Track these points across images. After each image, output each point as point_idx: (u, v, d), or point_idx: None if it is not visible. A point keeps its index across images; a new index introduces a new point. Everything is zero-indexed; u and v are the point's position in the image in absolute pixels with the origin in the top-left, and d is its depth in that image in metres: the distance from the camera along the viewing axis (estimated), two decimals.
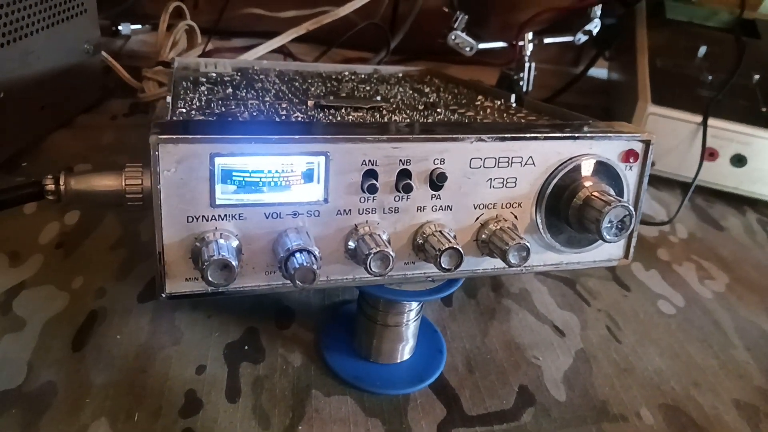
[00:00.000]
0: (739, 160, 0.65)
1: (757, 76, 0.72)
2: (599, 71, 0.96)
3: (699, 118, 0.65)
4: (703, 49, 0.76)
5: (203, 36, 0.80)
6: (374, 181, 0.30)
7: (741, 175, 0.65)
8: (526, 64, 0.69)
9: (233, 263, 0.27)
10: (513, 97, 0.47)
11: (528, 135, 0.32)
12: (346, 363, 0.38)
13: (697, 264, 0.54)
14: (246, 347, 0.39)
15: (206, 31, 0.82)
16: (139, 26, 0.88)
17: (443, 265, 0.30)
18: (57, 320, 0.39)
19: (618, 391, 0.39)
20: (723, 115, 0.65)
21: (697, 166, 0.63)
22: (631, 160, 0.34)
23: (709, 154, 0.65)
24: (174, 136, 0.27)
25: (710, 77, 0.71)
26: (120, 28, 0.86)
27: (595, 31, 0.71)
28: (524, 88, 0.70)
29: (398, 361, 0.39)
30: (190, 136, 0.27)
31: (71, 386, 0.35)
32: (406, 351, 0.39)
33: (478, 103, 0.47)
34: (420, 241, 0.32)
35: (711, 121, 0.64)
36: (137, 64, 0.76)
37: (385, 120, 0.38)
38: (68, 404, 0.34)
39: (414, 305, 0.37)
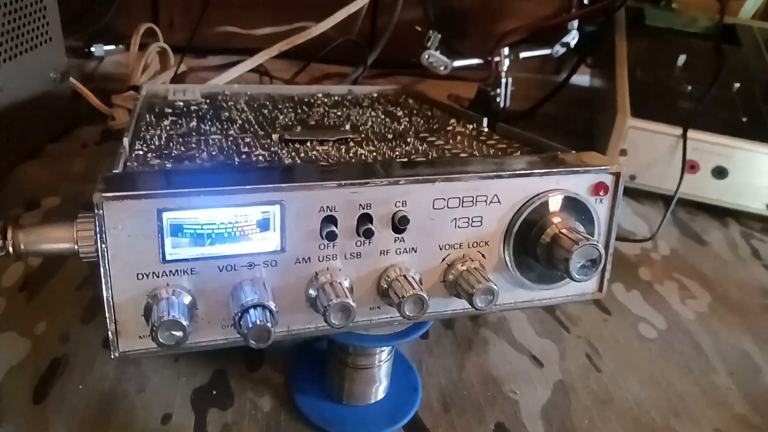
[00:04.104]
0: (720, 172, 0.64)
1: (737, 85, 0.71)
2: (582, 78, 0.96)
3: (679, 131, 0.64)
4: (682, 58, 0.75)
5: (178, 54, 0.80)
6: (333, 228, 0.29)
7: (723, 187, 0.65)
8: (503, 80, 0.68)
9: (184, 323, 0.25)
10: (485, 122, 0.46)
11: (492, 174, 0.31)
12: (317, 406, 0.37)
13: (679, 283, 0.54)
14: (214, 392, 0.38)
15: (181, 49, 0.81)
16: (112, 47, 0.87)
17: (407, 313, 0.29)
18: (18, 369, 0.38)
19: (597, 424, 0.38)
20: (703, 127, 0.64)
21: (679, 179, 0.63)
22: (601, 193, 0.33)
23: (690, 166, 0.64)
24: (119, 193, 0.26)
25: (690, 87, 0.70)
26: (93, 49, 0.84)
27: (572, 44, 0.71)
28: (501, 104, 0.69)
29: (371, 401, 0.38)
30: (135, 193, 0.26)
31: None
32: (379, 391, 0.38)
33: (450, 128, 0.46)
34: (384, 286, 0.31)
35: (691, 134, 0.63)
36: (111, 86, 0.75)
37: (351, 154, 0.37)
38: None
39: (385, 347, 0.36)
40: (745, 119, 0.66)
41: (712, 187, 0.65)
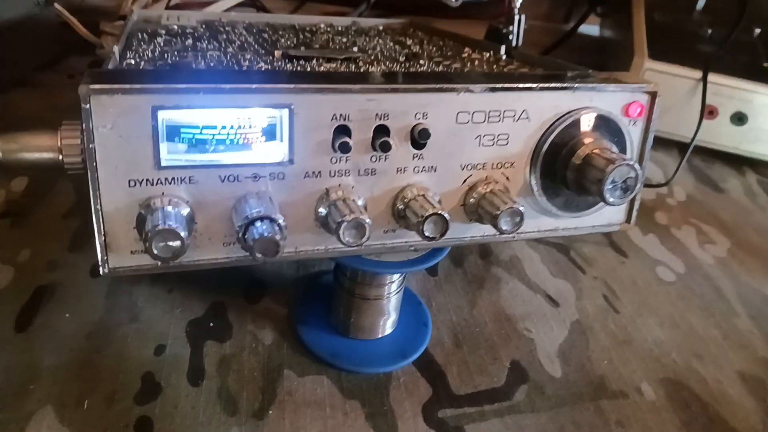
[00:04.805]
0: (739, 119, 0.61)
1: (758, 30, 0.68)
2: (591, 28, 0.92)
3: (698, 74, 0.61)
4: (702, 2, 0.72)
5: None
6: (347, 139, 0.26)
7: (741, 134, 0.62)
8: (516, 17, 0.65)
9: (182, 234, 0.23)
10: (503, 49, 0.43)
11: (521, 86, 0.28)
12: (323, 339, 0.35)
13: (696, 228, 0.51)
14: (211, 324, 0.36)
15: None
16: None
17: (427, 234, 0.26)
18: None
19: (616, 365, 0.36)
20: (723, 71, 0.61)
21: (696, 124, 0.60)
22: (635, 115, 0.31)
23: (708, 112, 0.61)
24: (108, 86, 0.23)
25: (710, 31, 0.67)
26: None
27: None
28: (513, 42, 0.65)
29: (379, 336, 0.35)
30: (128, 86, 0.23)
31: (15, 370, 0.31)
32: (387, 325, 0.35)
33: (465, 55, 0.43)
34: (401, 207, 0.28)
35: (711, 77, 0.61)
36: (100, 18, 0.70)
37: (361, 71, 0.34)
38: (11, 390, 0.30)
39: (395, 277, 0.33)
40: (766, 64, 0.63)
41: (730, 134, 0.62)
